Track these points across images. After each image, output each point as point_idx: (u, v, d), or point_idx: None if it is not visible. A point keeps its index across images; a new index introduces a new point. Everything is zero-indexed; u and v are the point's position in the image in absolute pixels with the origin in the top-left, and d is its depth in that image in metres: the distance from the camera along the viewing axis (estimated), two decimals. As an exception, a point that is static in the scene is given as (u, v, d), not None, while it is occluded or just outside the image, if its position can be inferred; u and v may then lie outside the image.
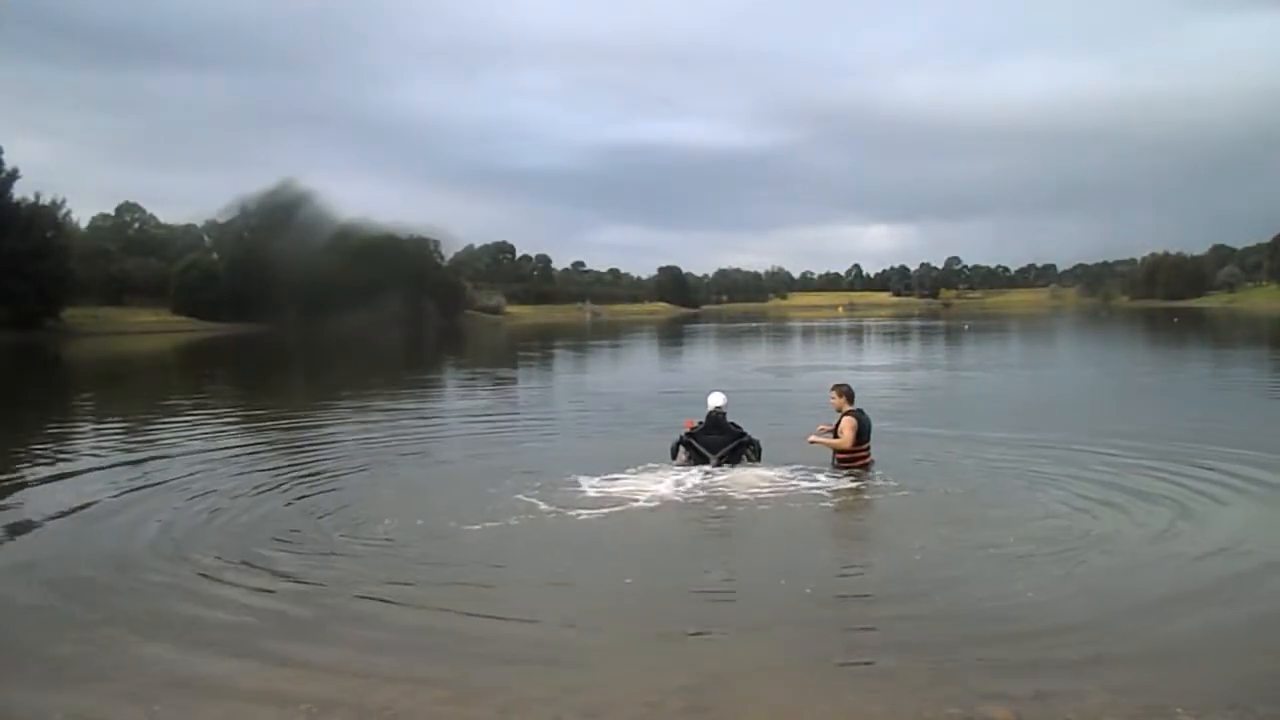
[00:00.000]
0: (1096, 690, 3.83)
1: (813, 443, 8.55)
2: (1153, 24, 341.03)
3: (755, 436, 8.93)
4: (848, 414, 8.50)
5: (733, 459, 8.63)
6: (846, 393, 8.66)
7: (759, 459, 8.82)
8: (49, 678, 4.17)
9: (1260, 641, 4.46)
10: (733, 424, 8.89)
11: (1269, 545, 6.10)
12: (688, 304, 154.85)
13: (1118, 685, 3.88)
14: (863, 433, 8.43)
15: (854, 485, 8.05)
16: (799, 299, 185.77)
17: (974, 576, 5.50)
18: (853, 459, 8.41)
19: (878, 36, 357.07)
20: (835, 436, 8.48)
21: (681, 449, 8.79)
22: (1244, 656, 4.25)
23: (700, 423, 8.86)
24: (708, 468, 8.43)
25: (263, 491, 8.15)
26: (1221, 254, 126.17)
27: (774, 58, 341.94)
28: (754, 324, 72.96)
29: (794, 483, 8.05)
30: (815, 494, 7.75)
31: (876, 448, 8.65)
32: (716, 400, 8.97)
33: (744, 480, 8.16)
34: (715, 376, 19.98)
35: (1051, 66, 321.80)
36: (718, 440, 8.66)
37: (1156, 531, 6.42)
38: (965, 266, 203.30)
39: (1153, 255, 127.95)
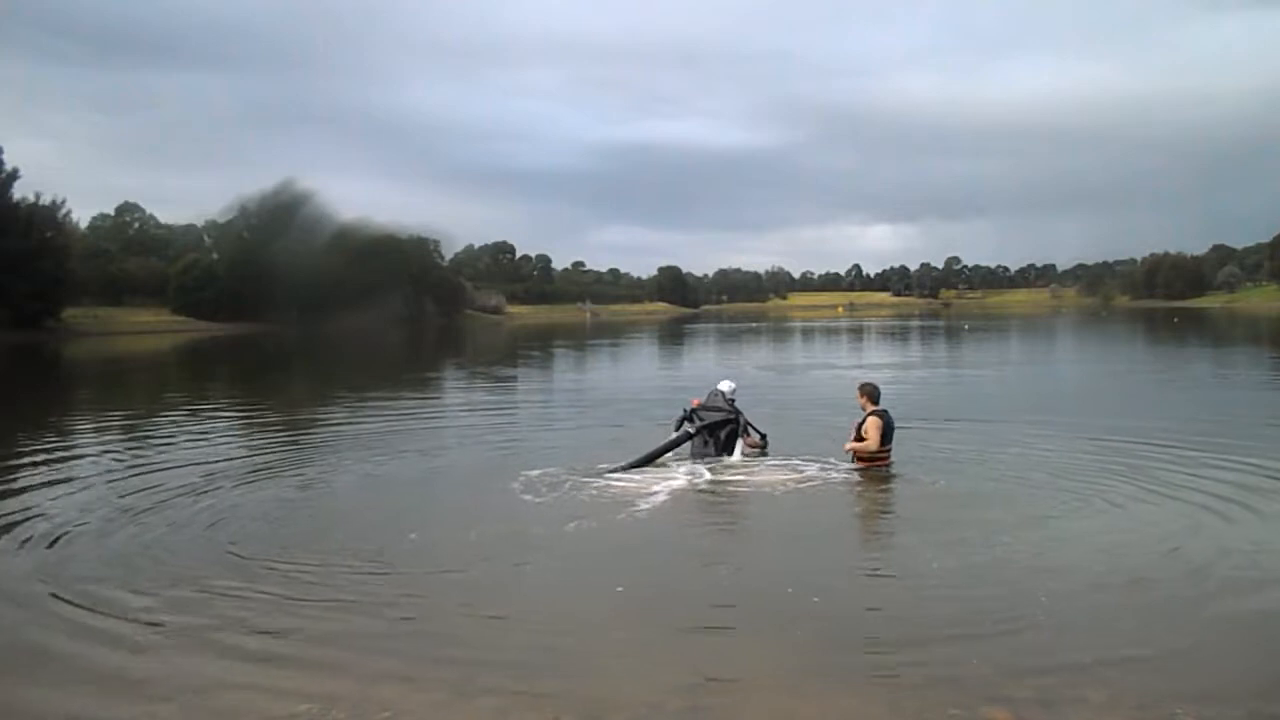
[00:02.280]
0: (1097, 691, 3.83)
1: (849, 450, 8.53)
2: (1154, 24, 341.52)
3: (763, 430, 9.56)
4: (872, 414, 8.45)
5: (716, 431, 9.30)
6: (869, 393, 8.61)
7: (765, 445, 9.55)
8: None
9: (1261, 641, 4.46)
10: (732, 406, 9.51)
11: (1269, 545, 6.10)
12: (687, 304, 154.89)
13: (1118, 685, 3.88)
14: (886, 433, 8.40)
15: (872, 485, 8.03)
16: (799, 299, 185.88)
17: (978, 577, 5.49)
18: (872, 460, 8.38)
19: (880, 36, 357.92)
20: (860, 438, 8.43)
21: (685, 422, 9.52)
22: (1244, 656, 4.25)
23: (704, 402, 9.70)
24: (691, 430, 9.31)
25: (254, 490, 8.15)
26: (1221, 254, 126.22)
27: (776, 57, 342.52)
28: (754, 324, 72.93)
29: (810, 482, 8.05)
30: (831, 494, 7.75)
31: (899, 445, 8.71)
32: (722, 386, 9.83)
33: (757, 478, 8.19)
34: (716, 375, 19.94)
35: (1053, 66, 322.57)
36: (708, 415, 9.44)
37: (1157, 532, 6.41)
38: (965, 266, 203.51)
39: (1153, 255, 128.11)
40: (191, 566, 5.85)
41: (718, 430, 9.22)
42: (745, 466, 8.66)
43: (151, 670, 4.23)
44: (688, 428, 9.30)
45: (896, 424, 8.65)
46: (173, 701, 3.90)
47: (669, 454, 9.07)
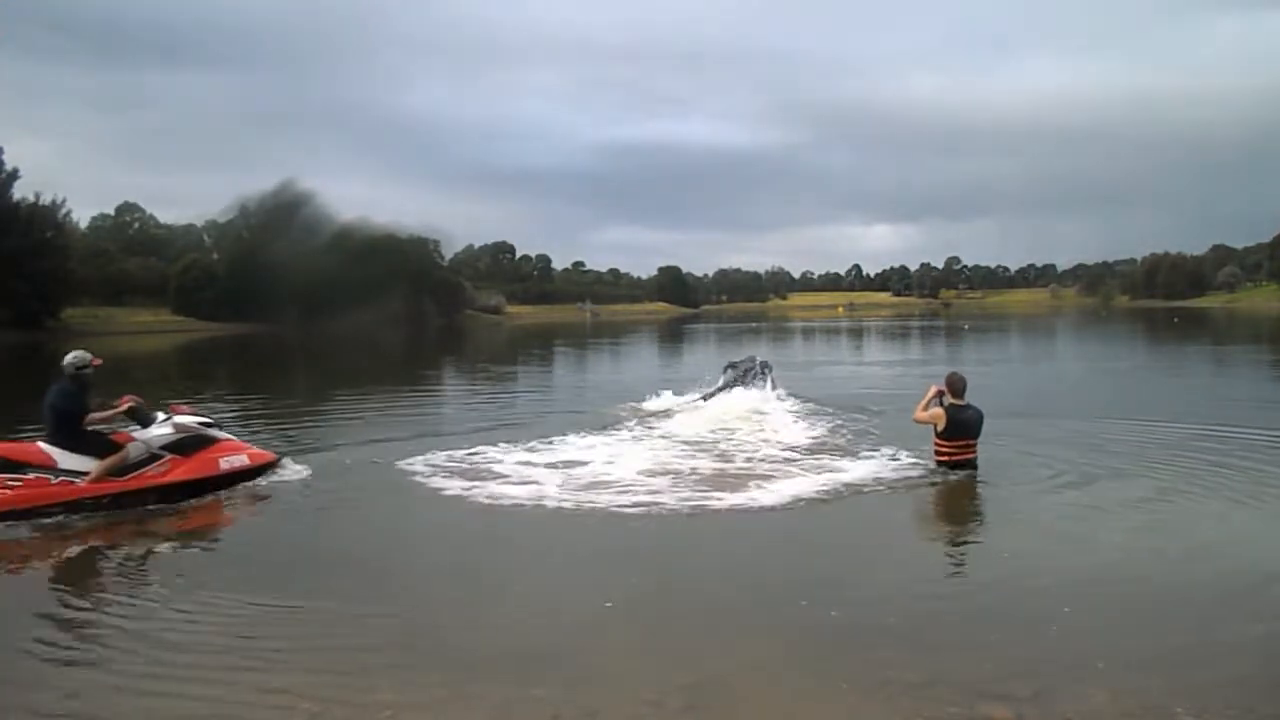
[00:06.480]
0: (1097, 690, 3.83)
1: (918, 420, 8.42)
2: (1155, 23, 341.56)
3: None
4: (949, 406, 8.20)
5: (750, 372, 14.55)
6: (949, 383, 8.30)
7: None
8: None
9: (1260, 642, 4.46)
10: (753, 364, 14.85)
11: (1269, 546, 6.10)
12: (687, 304, 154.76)
13: (1118, 685, 3.88)
14: (953, 429, 8.11)
15: (907, 487, 7.95)
16: (799, 299, 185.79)
17: (992, 580, 5.52)
18: (938, 453, 8.23)
19: (883, 36, 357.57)
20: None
21: (730, 369, 15.10)
22: (1244, 656, 4.25)
23: None
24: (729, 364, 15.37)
25: (258, 488, 8.14)
26: (1221, 254, 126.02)
27: (777, 58, 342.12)
28: (754, 324, 72.85)
29: (840, 483, 7.97)
30: (866, 495, 7.67)
31: None
32: (753, 355, 15.74)
33: (787, 476, 8.22)
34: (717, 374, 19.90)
35: (1054, 66, 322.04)
36: (741, 364, 15.10)
37: (1156, 530, 6.43)
38: (965, 266, 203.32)
39: (1153, 255, 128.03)
40: (190, 569, 5.86)
41: (749, 371, 14.44)
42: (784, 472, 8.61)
43: (152, 670, 4.23)
44: (728, 365, 15.31)
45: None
46: (173, 701, 3.91)
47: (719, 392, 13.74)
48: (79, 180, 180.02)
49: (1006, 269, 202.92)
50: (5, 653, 4.50)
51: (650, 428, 11.66)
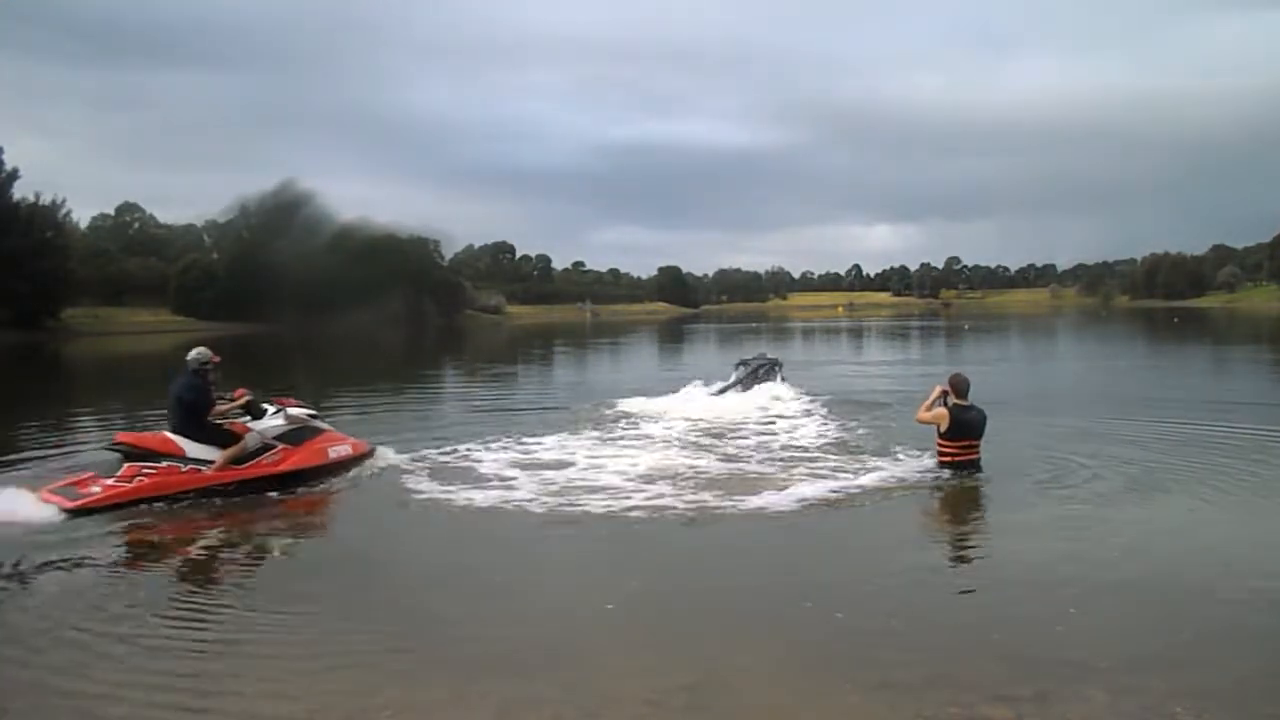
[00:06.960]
0: (1097, 690, 3.83)
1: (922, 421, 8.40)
2: (1155, 23, 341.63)
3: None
4: (954, 406, 8.16)
5: (759, 369, 15.52)
6: (952, 384, 8.25)
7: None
8: None
9: (1260, 642, 4.46)
10: (764, 361, 16.00)
11: (1274, 546, 6.10)
12: (688, 304, 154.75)
13: (1118, 685, 3.88)
14: (956, 429, 8.08)
15: (918, 489, 7.88)
16: (799, 299, 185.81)
17: (983, 579, 5.51)
18: (941, 454, 8.20)
19: (883, 36, 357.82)
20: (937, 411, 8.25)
21: (741, 365, 15.90)
22: (1244, 657, 4.25)
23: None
24: (744, 360, 16.23)
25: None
26: (1221, 254, 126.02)
27: (779, 57, 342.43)
28: (755, 324, 72.86)
29: (847, 487, 7.89)
30: (874, 499, 7.57)
31: None
32: (764, 352, 17.16)
33: (795, 481, 8.13)
34: (720, 375, 19.89)
35: (1055, 66, 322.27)
36: (752, 361, 15.95)
37: (1161, 529, 6.43)
38: (965, 266, 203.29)
39: (1153, 255, 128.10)
40: (189, 570, 5.86)
41: (760, 369, 15.37)
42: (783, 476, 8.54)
43: (149, 672, 4.23)
44: (740, 362, 15.97)
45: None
46: (171, 703, 3.90)
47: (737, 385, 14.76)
48: (79, 180, 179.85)
49: (1006, 269, 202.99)
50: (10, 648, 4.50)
51: (655, 427, 11.66)
